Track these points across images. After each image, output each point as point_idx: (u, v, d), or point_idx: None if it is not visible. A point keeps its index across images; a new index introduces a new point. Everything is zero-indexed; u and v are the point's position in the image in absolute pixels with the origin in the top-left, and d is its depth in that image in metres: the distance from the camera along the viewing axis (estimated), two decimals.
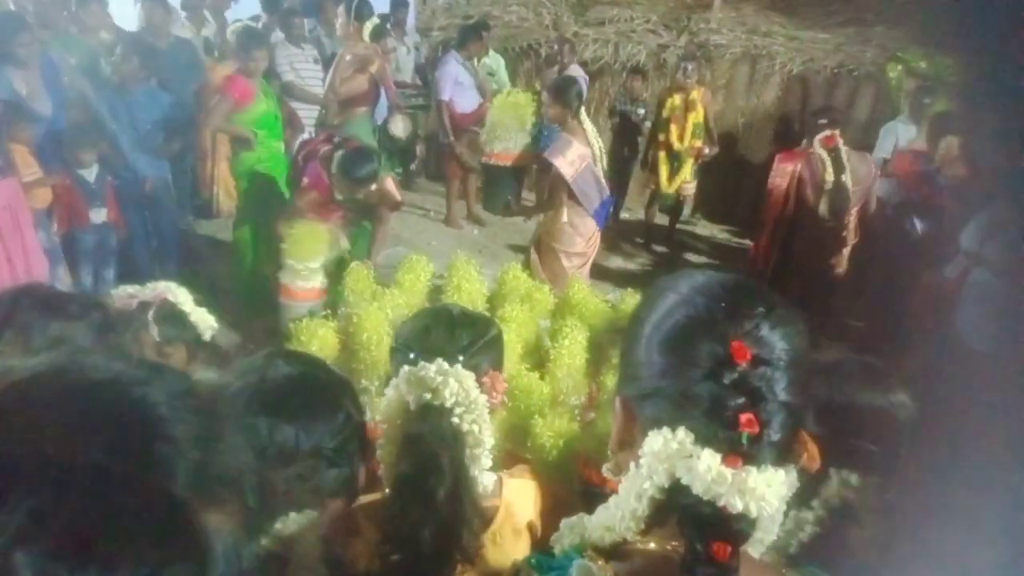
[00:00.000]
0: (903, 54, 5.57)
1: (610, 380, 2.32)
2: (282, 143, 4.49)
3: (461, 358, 1.23)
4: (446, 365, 1.19)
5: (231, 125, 4.21)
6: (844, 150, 3.70)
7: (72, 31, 4.84)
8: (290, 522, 0.97)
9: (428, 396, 1.17)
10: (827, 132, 3.67)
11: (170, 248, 4.60)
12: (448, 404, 1.17)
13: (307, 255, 3.47)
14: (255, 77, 4.22)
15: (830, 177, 3.69)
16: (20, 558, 0.37)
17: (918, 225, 3.97)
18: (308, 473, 1.03)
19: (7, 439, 0.41)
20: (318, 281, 3.53)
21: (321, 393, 1.11)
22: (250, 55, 4.15)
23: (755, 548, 0.77)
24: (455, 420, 1.18)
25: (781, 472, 0.71)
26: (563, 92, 3.59)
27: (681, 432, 0.70)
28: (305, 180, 3.58)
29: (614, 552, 0.77)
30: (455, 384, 1.18)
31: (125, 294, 1.74)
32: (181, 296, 1.76)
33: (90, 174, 4.12)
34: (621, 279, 5.13)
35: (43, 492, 0.39)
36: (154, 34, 4.97)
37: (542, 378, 2.32)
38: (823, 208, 3.74)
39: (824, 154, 3.72)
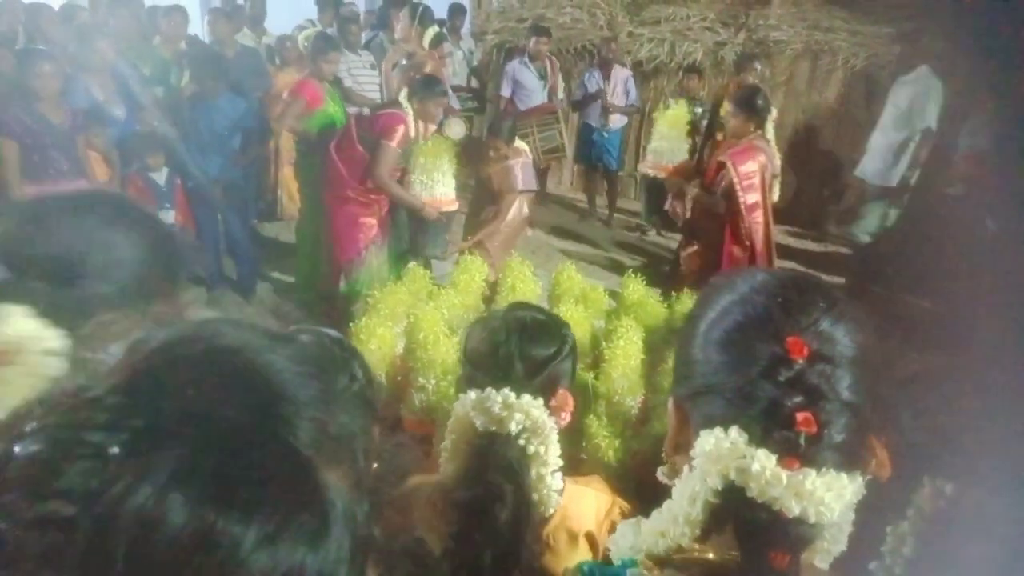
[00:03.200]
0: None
1: (665, 381, 2.30)
2: None
3: (531, 381, 1.24)
4: (512, 397, 1.18)
5: (302, 126, 4.33)
6: None
7: (155, 41, 5.05)
8: None
9: (494, 427, 1.18)
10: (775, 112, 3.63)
11: (241, 249, 4.73)
12: (514, 433, 1.18)
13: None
14: (325, 81, 4.34)
15: (779, 160, 3.65)
16: (175, 499, 0.41)
17: (991, 224, 3.79)
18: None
19: (156, 396, 0.46)
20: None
21: (326, 356, 1.16)
22: (326, 57, 4.27)
23: (822, 559, 0.73)
24: (521, 443, 1.19)
25: (844, 477, 0.66)
26: (506, 131, 4.02)
27: (734, 431, 0.67)
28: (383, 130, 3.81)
29: (670, 562, 0.74)
30: (521, 415, 1.18)
31: None
32: None
33: (160, 177, 4.32)
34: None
35: (189, 443, 0.43)
36: (221, 44, 5.15)
37: (597, 379, 2.32)
38: (776, 194, 3.68)
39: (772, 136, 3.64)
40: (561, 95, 6.15)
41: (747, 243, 3.64)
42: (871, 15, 6.42)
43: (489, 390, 1.20)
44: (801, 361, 0.65)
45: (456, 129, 5.53)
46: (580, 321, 2.64)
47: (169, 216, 4.37)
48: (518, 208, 4.08)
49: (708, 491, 0.68)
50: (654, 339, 2.71)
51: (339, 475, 0.49)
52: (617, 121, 6.20)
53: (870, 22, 6.36)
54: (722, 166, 3.63)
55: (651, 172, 3.99)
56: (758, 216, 3.59)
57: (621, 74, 6.10)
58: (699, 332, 0.73)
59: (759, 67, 5.43)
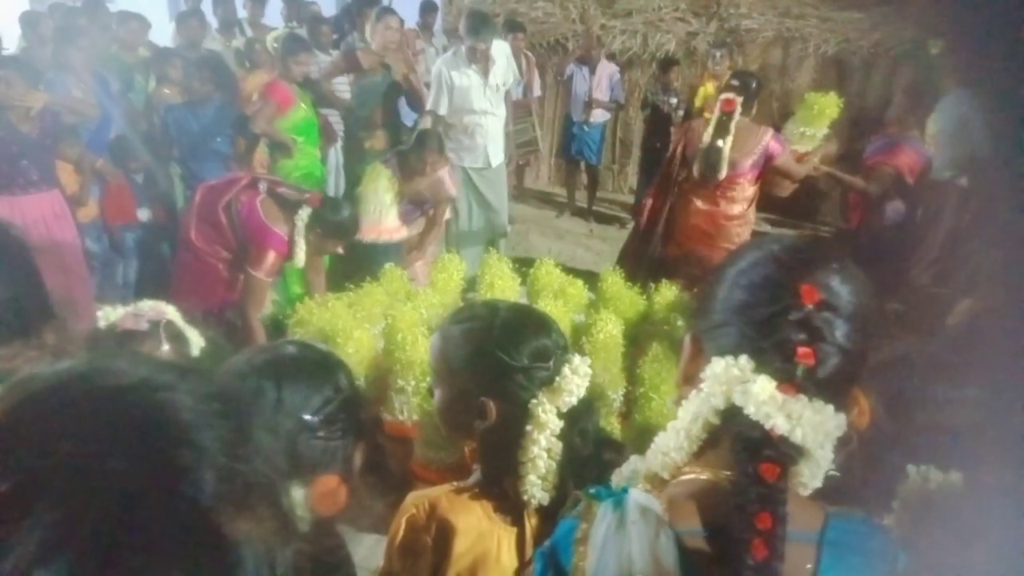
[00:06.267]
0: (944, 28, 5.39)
1: (647, 372, 2.30)
2: (318, 150, 4.53)
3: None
4: (577, 358, 1.18)
5: (274, 130, 4.26)
6: (736, 118, 3.61)
7: (112, 49, 4.97)
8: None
9: (574, 399, 1.15)
10: (731, 95, 3.59)
11: None
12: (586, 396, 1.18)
13: None
14: (294, 83, 4.28)
15: (707, 138, 3.65)
16: (42, 574, 0.36)
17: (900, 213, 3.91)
18: (291, 442, 1.06)
19: (27, 451, 0.40)
20: None
21: (310, 366, 1.13)
22: (296, 58, 4.20)
23: (802, 489, 0.82)
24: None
25: (829, 408, 0.76)
26: (439, 144, 3.92)
27: (743, 359, 0.77)
28: (259, 246, 3.12)
29: (669, 484, 0.84)
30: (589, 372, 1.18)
31: (127, 313, 1.67)
32: (171, 312, 1.72)
33: (139, 176, 4.34)
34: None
35: (64, 505, 0.38)
36: (188, 49, 5.08)
37: None
38: (697, 168, 3.69)
39: (715, 115, 3.66)
40: (538, 91, 6.13)
41: None
42: (840, 1, 6.47)
43: (563, 368, 1.17)
44: (810, 306, 0.76)
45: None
46: (559, 316, 2.63)
47: (144, 214, 4.36)
48: (443, 214, 4.15)
49: (710, 410, 0.80)
50: (634, 331, 2.70)
51: (254, 522, 0.44)
52: (599, 116, 6.19)
53: (840, 7, 6.40)
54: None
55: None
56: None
57: (607, 69, 6.08)
58: (728, 276, 0.84)
59: (719, 55, 5.46)
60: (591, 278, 3.17)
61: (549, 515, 1.17)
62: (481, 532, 1.15)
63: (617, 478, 0.92)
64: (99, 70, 4.28)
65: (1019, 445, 1.17)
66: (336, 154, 5.05)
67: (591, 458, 1.18)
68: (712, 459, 0.82)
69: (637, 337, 2.69)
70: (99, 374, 0.45)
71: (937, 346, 1.29)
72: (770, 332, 0.77)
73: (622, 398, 2.46)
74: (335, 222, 3.10)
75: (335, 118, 4.97)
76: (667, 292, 2.89)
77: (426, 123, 4.76)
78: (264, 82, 4.50)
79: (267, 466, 0.47)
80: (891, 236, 4.10)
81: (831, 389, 0.77)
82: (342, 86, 5.07)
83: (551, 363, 1.16)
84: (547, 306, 2.63)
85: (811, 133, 4.10)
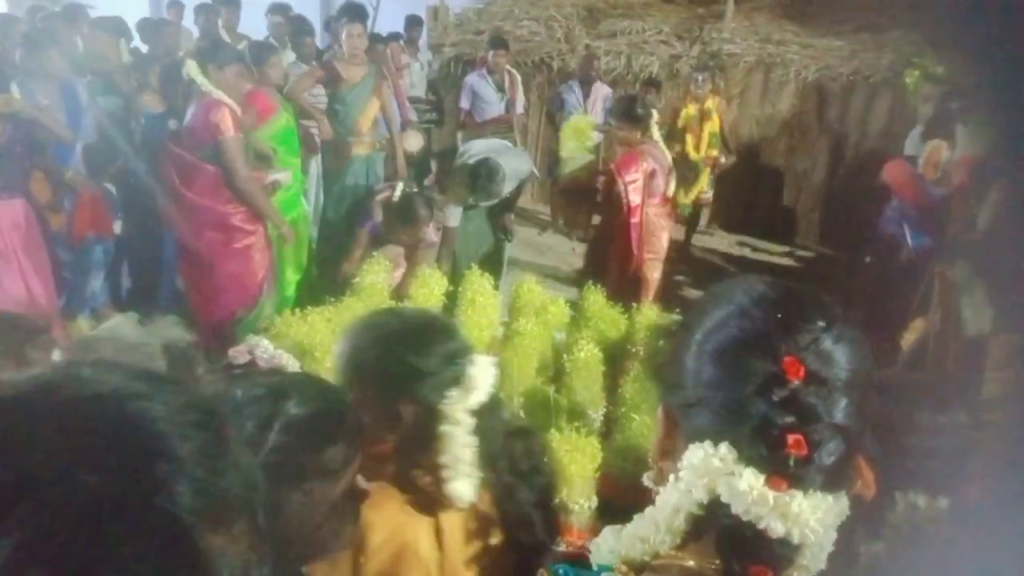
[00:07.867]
0: (919, 59, 5.52)
1: (627, 392, 2.28)
2: (299, 160, 4.49)
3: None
4: (482, 358, 1.25)
5: (254, 140, 4.20)
6: None
7: (90, 54, 4.92)
8: None
9: (482, 397, 1.21)
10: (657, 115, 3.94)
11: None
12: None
13: None
14: (272, 89, 4.25)
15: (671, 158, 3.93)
16: None
17: (910, 237, 3.96)
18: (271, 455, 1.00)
19: None
20: None
21: (228, 398, 1.05)
22: (268, 63, 4.18)
23: (800, 573, 0.72)
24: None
25: (829, 499, 0.66)
26: (426, 214, 3.83)
27: (724, 448, 0.66)
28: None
29: (649, 567, 0.73)
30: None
31: (246, 345, 1.54)
32: (288, 363, 1.58)
33: (113, 187, 4.26)
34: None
35: (33, 521, 0.36)
36: (162, 56, 5.04)
37: (558, 391, 2.29)
38: (673, 187, 3.92)
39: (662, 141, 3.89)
40: (520, 108, 6.16)
41: (628, 241, 3.94)
42: (821, 28, 6.59)
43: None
44: (796, 382, 0.64)
45: (414, 141, 5.50)
46: (539, 334, 2.61)
47: (118, 227, 4.28)
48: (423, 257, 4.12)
49: (693, 503, 0.68)
50: (615, 350, 2.70)
51: (231, 537, 0.43)
52: (593, 137, 6.20)
53: (820, 35, 6.52)
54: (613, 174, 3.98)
55: None
56: (638, 215, 3.90)
57: (602, 91, 6.09)
58: (694, 341, 0.71)
59: (701, 78, 5.55)
60: (572, 296, 3.16)
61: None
62: (397, 525, 1.17)
63: (595, 552, 0.81)
64: (68, 79, 4.21)
65: (1007, 469, 1.18)
66: (317, 164, 5.02)
67: (502, 450, 1.25)
68: (696, 548, 0.71)
69: (618, 356, 2.68)
70: (70, 382, 0.43)
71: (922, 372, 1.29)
72: (750, 415, 0.65)
73: (602, 418, 2.44)
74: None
75: (314, 129, 4.95)
76: (649, 313, 2.88)
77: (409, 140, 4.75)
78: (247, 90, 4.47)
79: (244, 480, 0.46)
80: (889, 256, 4.14)
81: (831, 473, 0.66)
82: (324, 99, 5.07)
83: (458, 365, 1.20)
84: (528, 324, 2.61)
85: (572, 155, 4.73)
